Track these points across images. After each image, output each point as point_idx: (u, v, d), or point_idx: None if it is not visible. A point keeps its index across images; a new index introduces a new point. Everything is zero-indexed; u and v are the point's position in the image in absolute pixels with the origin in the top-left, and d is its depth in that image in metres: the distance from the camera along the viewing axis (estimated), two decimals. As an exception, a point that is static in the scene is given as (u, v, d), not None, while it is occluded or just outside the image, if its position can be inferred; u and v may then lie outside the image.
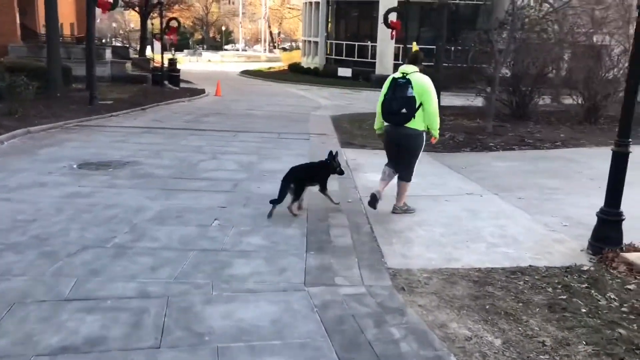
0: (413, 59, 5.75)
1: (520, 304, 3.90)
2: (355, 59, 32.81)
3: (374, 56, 31.20)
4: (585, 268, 4.54)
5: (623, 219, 4.82)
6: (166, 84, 22.69)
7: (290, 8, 70.88)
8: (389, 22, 21.40)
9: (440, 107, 6.24)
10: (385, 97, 5.70)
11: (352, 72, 31.43)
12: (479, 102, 14.91)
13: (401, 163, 5.87)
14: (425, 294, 4.05)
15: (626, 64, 11.70)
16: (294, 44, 72.83)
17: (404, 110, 5.53)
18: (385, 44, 28.55)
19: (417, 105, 5.53)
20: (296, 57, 44.58)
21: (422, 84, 5.55)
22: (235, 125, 13.30)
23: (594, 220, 4.96)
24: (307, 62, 38.49)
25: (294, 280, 4.19)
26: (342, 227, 5.47)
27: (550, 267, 4.56)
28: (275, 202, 5.62)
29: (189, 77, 27.61)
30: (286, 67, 39.98)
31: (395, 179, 5.96)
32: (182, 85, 24.12)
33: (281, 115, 16.03)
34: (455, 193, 7.04)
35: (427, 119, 5.61)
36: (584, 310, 3.82)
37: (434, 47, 16.89)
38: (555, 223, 5.78)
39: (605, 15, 14.90)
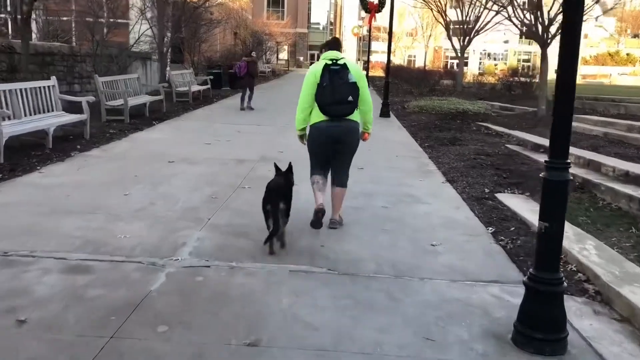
0: (336, 45, 4.97)
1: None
2: None
3: None
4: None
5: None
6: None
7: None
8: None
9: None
10: (322, 85, 4.68)
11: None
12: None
13: (341, 165, 4.93)
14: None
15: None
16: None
17: (350, 98, 4.67)
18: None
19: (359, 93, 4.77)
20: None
21: (358, 69, 4.87)
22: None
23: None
24: None
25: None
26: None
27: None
28: (273, 235, 4.19)
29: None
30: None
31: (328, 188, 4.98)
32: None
33: None
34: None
35: (364, 109, 4.85)
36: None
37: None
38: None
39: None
